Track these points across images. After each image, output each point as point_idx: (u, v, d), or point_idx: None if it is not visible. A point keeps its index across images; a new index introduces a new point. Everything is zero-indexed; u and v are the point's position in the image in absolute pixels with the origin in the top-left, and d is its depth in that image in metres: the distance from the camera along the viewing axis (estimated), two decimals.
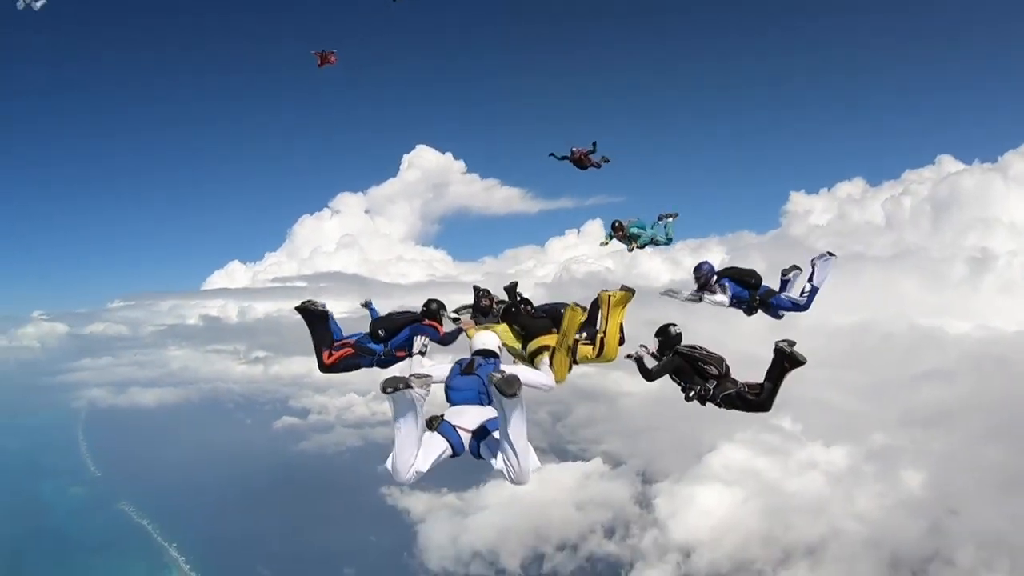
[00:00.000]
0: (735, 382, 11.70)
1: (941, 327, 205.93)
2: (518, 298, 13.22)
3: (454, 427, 8.53)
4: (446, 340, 12.39)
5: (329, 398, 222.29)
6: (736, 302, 13.57)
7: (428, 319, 12.41)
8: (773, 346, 11.35)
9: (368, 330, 12.41)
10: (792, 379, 11.45)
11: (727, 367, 11.92)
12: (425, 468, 8.12)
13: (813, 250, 14.02)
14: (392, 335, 12.24)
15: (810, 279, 13.86)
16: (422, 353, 11.49)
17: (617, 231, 15.94)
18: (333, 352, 12.10)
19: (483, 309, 13.50)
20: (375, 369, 12.44)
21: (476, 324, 13.16)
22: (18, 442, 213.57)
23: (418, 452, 8.01)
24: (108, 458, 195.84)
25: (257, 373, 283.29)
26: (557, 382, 11.09)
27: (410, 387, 7.64)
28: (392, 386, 7.56)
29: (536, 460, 8.24)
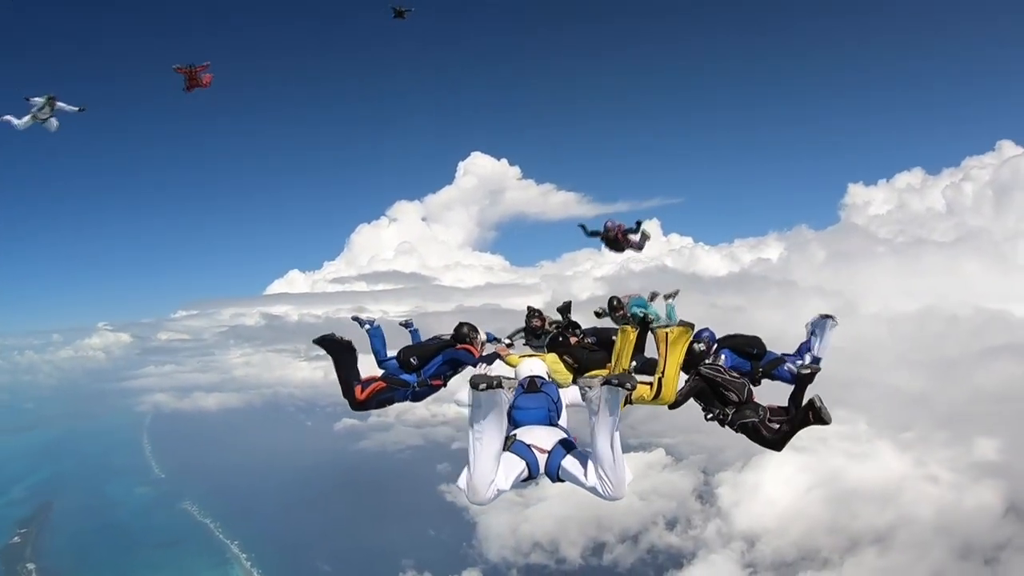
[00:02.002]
0: (756, 408, 11.26)
1: (1008, 310, 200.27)
2: (568, 321, 12.62)
3: (528, 446, 7.69)
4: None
5: None
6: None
7: (460, 343, 11.70)
8: (805, 370, 11.40)
9: (398, 359, 11.80)
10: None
11: (750, 392, 11.53)
12: (507, 486, 7.34)
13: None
14: (425, 363, 11.64)
15: (809, 349, 12.83)
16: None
17: (616, 310, 13.41)
18: (364, 387, 11.50)
19: (534, 330, 13.03)
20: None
21: (530, 346, 12.87)
22: (86, 445, 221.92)
23: (498, 467, 7.21)
24: (172, 460, 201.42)
25: (318, 378, 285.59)
26: None
27: (501, 386, 6.82)
28: (486, 383, 6.75)
29: (630, 472, 7.29)
